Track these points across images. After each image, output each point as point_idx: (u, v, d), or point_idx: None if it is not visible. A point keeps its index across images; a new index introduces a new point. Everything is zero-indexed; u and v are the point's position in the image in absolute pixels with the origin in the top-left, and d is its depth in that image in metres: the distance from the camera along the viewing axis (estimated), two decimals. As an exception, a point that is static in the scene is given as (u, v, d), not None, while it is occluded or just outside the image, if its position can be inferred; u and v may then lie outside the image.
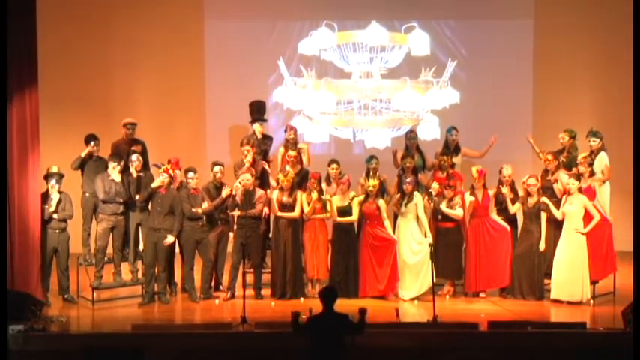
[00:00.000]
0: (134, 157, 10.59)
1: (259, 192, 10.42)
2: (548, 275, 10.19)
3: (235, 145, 12.08)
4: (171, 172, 10.18)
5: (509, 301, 10.21)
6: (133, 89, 13.08)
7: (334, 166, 10.76)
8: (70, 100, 12.55)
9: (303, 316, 7.60)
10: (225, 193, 10.30)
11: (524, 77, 13.27)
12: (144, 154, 10.98)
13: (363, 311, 7.41)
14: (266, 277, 10.56)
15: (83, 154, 10.76)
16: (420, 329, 8.96)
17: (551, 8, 13.17)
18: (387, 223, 10.33)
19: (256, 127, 11.39)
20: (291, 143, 11.06)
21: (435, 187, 10.43)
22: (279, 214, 10.39)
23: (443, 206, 10.30)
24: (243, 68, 13.13)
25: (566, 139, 10.90)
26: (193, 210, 10.19)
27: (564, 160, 10.72)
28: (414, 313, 9.87)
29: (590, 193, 10.25)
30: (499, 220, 10.34)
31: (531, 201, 10.21)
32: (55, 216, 9.97)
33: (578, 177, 10.18)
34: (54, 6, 12.01)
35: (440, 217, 10.38)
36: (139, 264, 10.57)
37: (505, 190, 10.31)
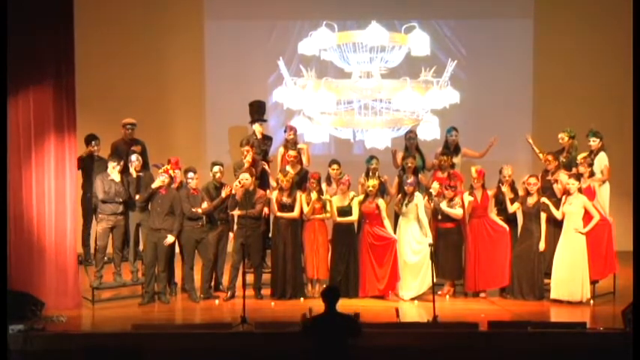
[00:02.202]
0: (133, 157, 10.61)
1: (259, 192, 10.42)
2: (548, 275, 10.19)
3: (235, 145, 12.08)
4: (171, 172, 10.19)
5: (509, 301, 10.21)
6: (133, 89, 13.07)
7: (335, 166, 10.77)
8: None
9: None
10: (224, 193, 10.30)
11: (524, 77, 13.27)
12: (143, 154, 11.00)
13: (357, 315, 7.55)
14: (266, 277, 10.56)
15: (84, 154, 10.76)
16: (420, 329, 8.97)
17: (551, 8, 13.16)
18: (387, 223, 10.33)
19: (256, 127, 11.39)
20: (291, 143, 11.06)
21: (435, 186, 10.42)
22: (279, 214, 10.39)
23: (443, 205, 10.29)
24: (243, 68, 13.13)
25: (566, 139, 10.91)
26: (193, 210, 10.20)
27: (564, 160, 10.72)
28: (413, 313, 9.86)
29: (589, 193, 10.24)
30: (498, 220, 10.34)
31: (531, 201, 10.20)
32: None
33: (578, 177, 10.18)
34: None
35: (440, 217, 10.37)
36: (139, 264, 10.57)
37: (505, 188, 10.31)
